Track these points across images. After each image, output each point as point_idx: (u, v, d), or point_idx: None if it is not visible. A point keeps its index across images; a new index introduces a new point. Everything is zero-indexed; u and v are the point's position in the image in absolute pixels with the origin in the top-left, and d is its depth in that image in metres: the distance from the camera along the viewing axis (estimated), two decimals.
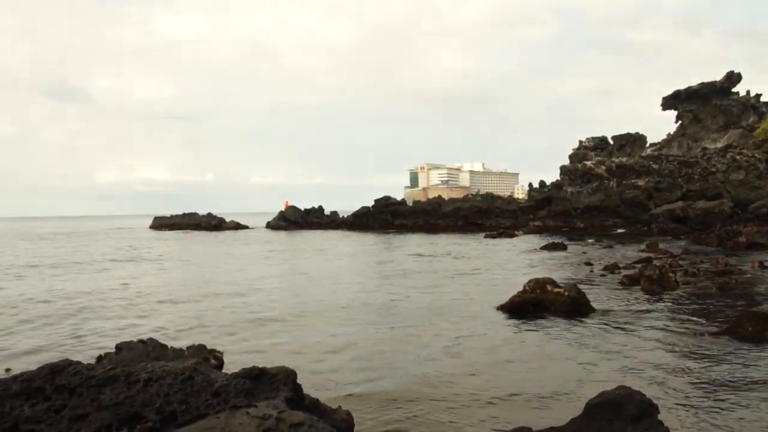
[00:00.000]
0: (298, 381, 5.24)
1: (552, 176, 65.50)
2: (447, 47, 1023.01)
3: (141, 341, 7.21)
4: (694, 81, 61.12)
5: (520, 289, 13.89)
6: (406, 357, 9.82)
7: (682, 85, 61.28)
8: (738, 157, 52.65)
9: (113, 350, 7.06)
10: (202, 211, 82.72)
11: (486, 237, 47.04)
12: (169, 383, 4.88)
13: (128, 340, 7.40)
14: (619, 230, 49.49)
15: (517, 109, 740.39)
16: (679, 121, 62.57)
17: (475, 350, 10.28)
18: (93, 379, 4.86)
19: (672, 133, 63.82)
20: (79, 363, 5.10)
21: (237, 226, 77.88)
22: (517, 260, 27.13)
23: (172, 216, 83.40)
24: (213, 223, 77.78)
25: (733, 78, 58.46)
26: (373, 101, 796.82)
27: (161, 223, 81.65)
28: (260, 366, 5.25)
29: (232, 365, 7.43)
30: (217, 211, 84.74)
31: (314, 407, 5.24)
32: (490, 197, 72.77)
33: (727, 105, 58.25)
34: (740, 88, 59.18)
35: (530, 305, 13.14)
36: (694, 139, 60.22)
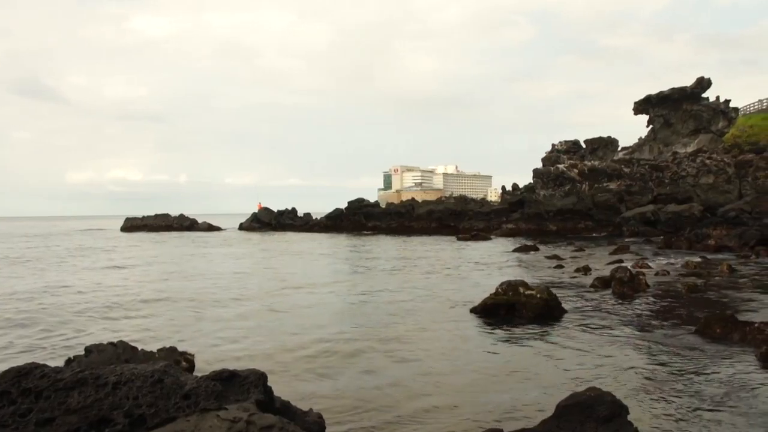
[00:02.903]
0: (269, 383, 5.21)
1: (525, 179, 65.90)
2: (423, 50, 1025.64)
3: (111, 344, 7.13)
4: (666, 86, 61.81)
5: (492, 291, 13.92)
6: (377, 359, 9.81)
7: (655, 90, 61.88)
8: (708, 161, 53.26)
9: (83, 353, 6.97)
10: (175, 212, 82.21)
11: (459, 239, 47.18)
12: (138, 386, 4.82)
13: (97, 342, 7.32)
14: (592, 233, 49.84)
15: (492, 112, 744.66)
16: (651, 126, 63.13)
17: (446, 352, 10.29)
18: (60, 383, 4.79)
19: (643, 137, 64.39)
20: (46, 366, 5.02)
21: (209, 228, 77.48)
22: (490, 262, 27.21)
23: (143, 217, 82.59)
24: (185, 225, 77.33)
25: (704, 83, 59.07)
26: (348, 103, 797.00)
27: (133, 225, 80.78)
28: (231, 368, 5.21)
29: (203, 368, 7.38)
30: (190, 213, 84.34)
31: (285, 409, 5.21)
32: (463, 200, 73.01)
33: (697, 110, 58.84)
34: (710, 94, 59.80)
35: (502, 307, 13.18)
36: (665, 144, 60.78)
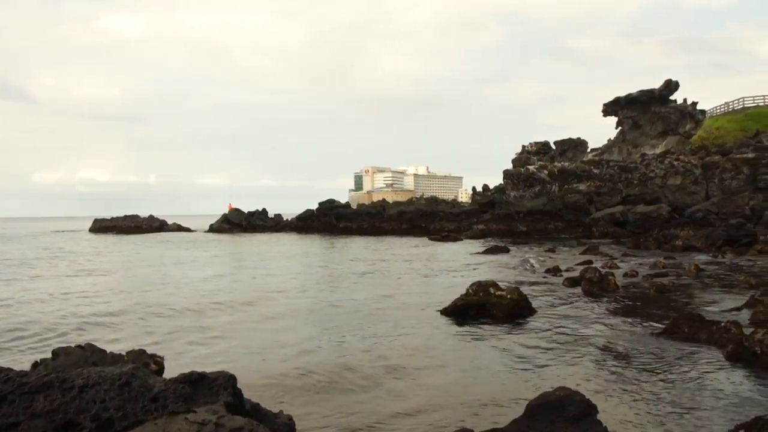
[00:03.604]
0: (239, 385, 5.17)
1: (496, 180, 66.16)
2: (395, 50, 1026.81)
3: (79, 346, 7.03)
4: (635, 88, 62.47)
5: (463, 292, 13.96)
6: (347, 361, 9.78)
7: (624, 92, 62.50)
8: (675, 162, 53.89)
9: (50, 356, 6.86)
10: (145, 213, 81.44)
11: (430, 240, 47.27)
12: (106, 389, 4.75)
13: (65, 345, 7.21)
14: (562, 234, 50.17)
15: (464, 113, 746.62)
16: (620, 127, 63.80)
17: (416, 354, 10.30)
18: (26, 386, 4.71)
19: (613, 138, 65.04)
20: (10, 369, 4.94)
21: (179, 229, 76.84)
22: (460, 263, 27.29)
23: (112, 218, 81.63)
24: (155, 226, 76.60)
25: (671, 86, 59.81)
26: (320, 103, 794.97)
27: (101, 226, 79.78)
28: (200, 371, 5.16)
29: (173, 370, 7.30)
30: (160, 214, 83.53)
31: (255, 411, 5.17)
32: (434, 200, 73.17)
33: (665, 112, 59.57)
34: (678, 96, 60.62)
35: (473, 308, 13.21)
36: (633, 145, 61.46)
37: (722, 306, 13.72)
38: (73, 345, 7.11)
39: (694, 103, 59.86)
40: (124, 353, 7.50)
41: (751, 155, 51.01)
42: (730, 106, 71.24)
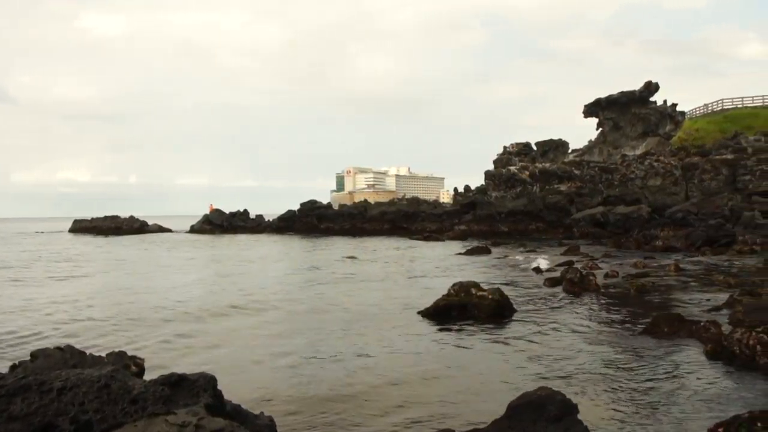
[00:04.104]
0: (219, 387, 5.14)
1: (477, 181, 66.34)
2: (378, 51, 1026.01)
3: (58, 348, 6.96)
4: (616, 89, 62.71)
5: (445, 292, 13.97)
6: (326, 363, 9.76)
7: (605, 93, 62.83)
8: (655, 163, 54.29)
9: (28, 359, 6.79)
10: (126, 213, 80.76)
11: (411, 240, 47.32)
12: (85, 391, 4.71)
13: (45, 347, 7.14)
14: (543, 234, 50.36)
15: (445, 114, 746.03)
16: (600, 129, 64.14)
17: (397, 355, 10.31)
18: (2, 389, 4.66)
19: (593, 139, 65.38)
20: None
21: (160, 230, 76.28)
22: (442, 264, 27.33)
23: (92, 219, 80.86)
24: (135, 226, 75.96)
25: (651, 87, 60.21)
26: (302, 103, 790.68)
27: (81, 226, 79.07)
28: (180, 372, 5.13)
29: (153, 372, 7.26)
30: (140, 214, 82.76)
31: (236, 413, 5.15)
32: (415, 201, 73.24)
33: (645, 113, 59.97)
34: (658, 97, 61.04)
35: (455, 308, 13.23)
36: (614, 146, 61.82)
37: (702, 306, 13.81)
38: (52, 347, 7.05)
39: (674, 105, 60.33)
40: (104, 355, 7.44)
41: (730, 156, 51.49)
42: (710, 108, 71.80)
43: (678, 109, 60.74)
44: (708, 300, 14.45)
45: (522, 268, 23.29)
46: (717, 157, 52.35)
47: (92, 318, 14.33)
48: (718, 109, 69.76)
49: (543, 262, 24.84)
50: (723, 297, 14.22)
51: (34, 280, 23.06)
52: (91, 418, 4.56)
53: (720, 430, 5.52)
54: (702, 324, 10.62)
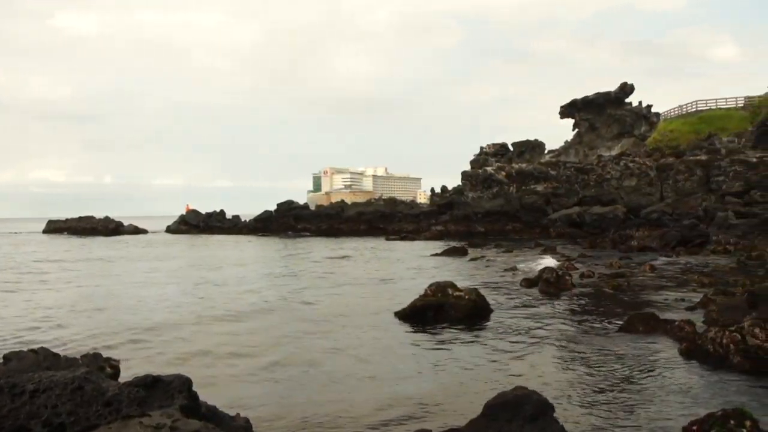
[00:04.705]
0: (195, 388, 5.10)
1: (454, 181, 66.33)
2: (355, 52, 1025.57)
3: (32, 351, 6.89)
4: (591, 90, 63.14)
5: (422, 293, 13.96)
6: (302, 366, 9.71)
7: (581, 94, 63.17)
8: (631, 164, 54.75)
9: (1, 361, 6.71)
10: (100, 214, 79.91)
11: (388, 240, 47.33)
12: (58, 394, 4.66)
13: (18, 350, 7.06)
14: (519, 234, 50.54)
15: (422, 114, 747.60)
16: (576, 129, 64.51)
17: (373, 356, 10.29)
18: None
19: (570, 140, 65.74)
20: None
21: (135, 230, 75.49)
22: (419, 264, 27.34)
23: (67, 219, 79.89)
24: (110, 227, 75.17)
25: (627, 89, 60.64)
26: (279, 104, 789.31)
27: (55, 227, 78.11)
28: (155, 374, 5.08)
29: (129, 374, 7.19)
30: (115, 215, 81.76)
31: (212, 415, 5.11)
32: (392, 202, 73.23)
33: (620, 114, 60.37)
34: (633, 99, 61.46)
35: (431, 308, 13.22)
36: (590, 147, 62.19)
37: (676, 305, 13.94)
38: (25, 349, 6.97)
39: (649, 106, 60.79)
40: (78, 357, 7.36)
41: (703, 157, 52.10)
42: (684, 109, 72.74)
43: (653, 110, 61.19)
44: (683, 299, 14.58)
45: (497, 268, 23.36)
46: (691, 158, 52.95)
47: (65, 325, 14.19)
48: (693, 110, 70.73)
49: (551, 260, 24.85)
50: (697, 296, 14.37)
51: (14, 278, 22.80)
52: (65, 420, 4.51)
53: (694, 428, 5.57)
54: (677, 323, 10.72)
